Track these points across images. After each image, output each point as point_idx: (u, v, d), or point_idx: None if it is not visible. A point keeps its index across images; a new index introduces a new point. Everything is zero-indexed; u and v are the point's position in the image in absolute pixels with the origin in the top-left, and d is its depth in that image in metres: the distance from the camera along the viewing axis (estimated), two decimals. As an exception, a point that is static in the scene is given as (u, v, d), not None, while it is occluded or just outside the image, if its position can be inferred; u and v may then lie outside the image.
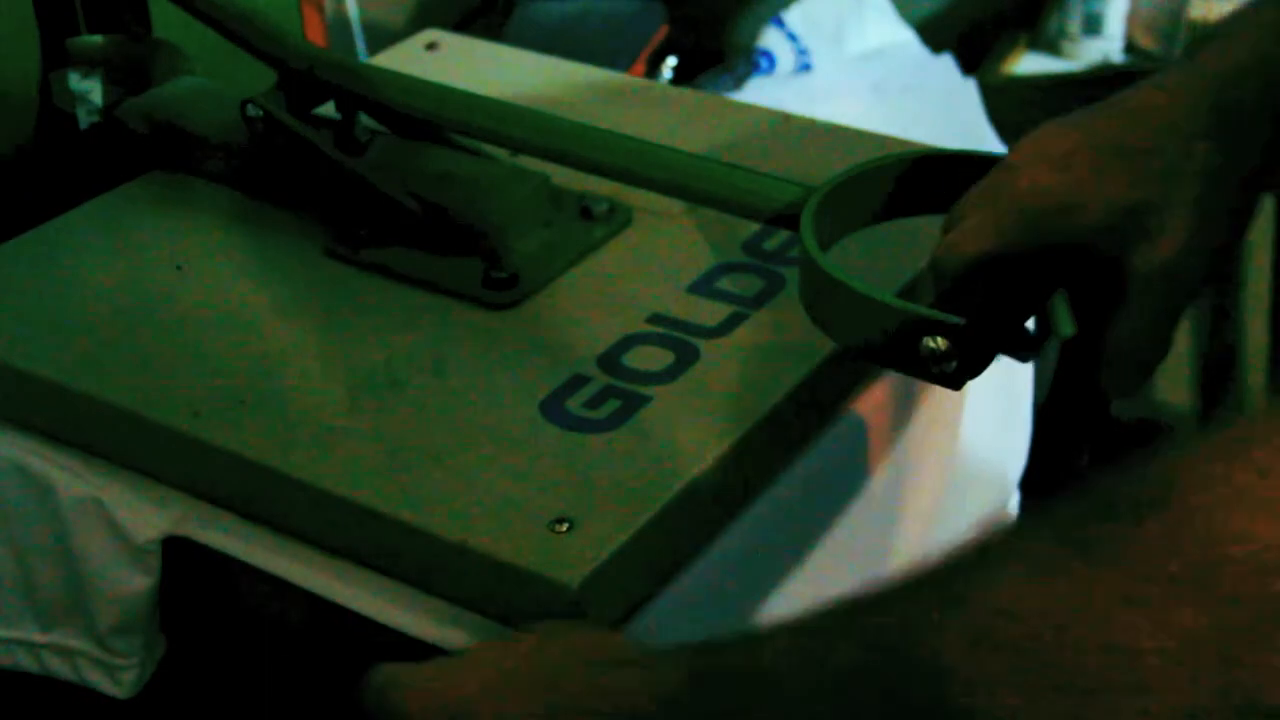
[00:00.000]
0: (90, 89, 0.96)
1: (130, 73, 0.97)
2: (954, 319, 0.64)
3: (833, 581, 0.82)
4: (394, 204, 0.83)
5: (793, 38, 1.60)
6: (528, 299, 0.80)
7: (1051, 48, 1.91)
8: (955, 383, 0.66)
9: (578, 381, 0.73)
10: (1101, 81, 1.78)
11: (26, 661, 0.80)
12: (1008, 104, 1.65)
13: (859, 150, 0.91)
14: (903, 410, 0.85)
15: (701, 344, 0.76)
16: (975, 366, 0.66)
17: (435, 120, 0.86)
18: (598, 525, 0.65)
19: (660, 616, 0.67)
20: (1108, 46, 1.87)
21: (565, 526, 0.64)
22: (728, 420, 0.71)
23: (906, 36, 1.65)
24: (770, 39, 1.61)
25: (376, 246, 0.84)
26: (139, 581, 0.75)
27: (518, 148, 0.84)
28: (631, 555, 0.65)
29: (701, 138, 0.91)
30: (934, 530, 0.93)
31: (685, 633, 0.68)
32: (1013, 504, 1.03)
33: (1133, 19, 1.87)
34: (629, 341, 0.76)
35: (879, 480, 0.84)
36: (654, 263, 0.83)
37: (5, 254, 0.86)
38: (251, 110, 0.86)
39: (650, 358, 0.75)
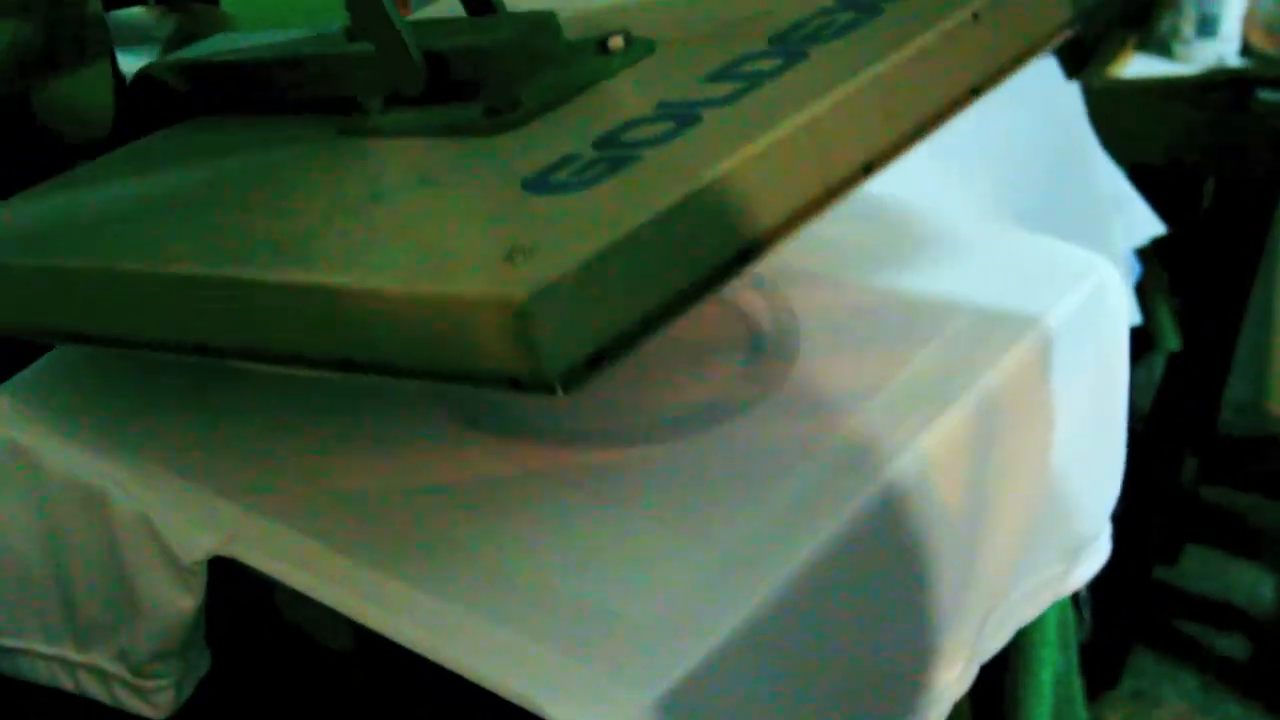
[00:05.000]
0: (139, 63, 0.96)
1: (179, 43, 0.97)
2: None
3: (913, 620, 0.79)
4: (400, 54, 0.77)
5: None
6: (530, 121, 0.74)
7: (1163, 49, 1.84)
8: None
9: (568, 160, 0.67)
10: (1216, 85, 1.71)
11: (64, 679, 0.79)
12: (1116, 108, 1.59)
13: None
14: (985, 439, 0.81)
15: (705, 112, 0.68)
16: None
17: None
18: (559, 249, 0.57)
19: (710, 672, 0.64)
20: (1223, 49, 1.80)
21: (523, 257, 0.57)
22: (718, 158, 0.62)
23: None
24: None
25: (385, 114, 0.79)
26: (183, 602, 0.74)
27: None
28: (597, 278, 0.57)
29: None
30: (1021, 562, 0.89)
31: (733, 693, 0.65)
32: (1106, 534, 0.98)
33: (1249, 20, 1.80)
34: (631, 124, 0.69)
35: (959, 514, 0.80)
36: (672, 72, 0.76)
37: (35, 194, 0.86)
38: None
39: (649, 130, 0.68)
